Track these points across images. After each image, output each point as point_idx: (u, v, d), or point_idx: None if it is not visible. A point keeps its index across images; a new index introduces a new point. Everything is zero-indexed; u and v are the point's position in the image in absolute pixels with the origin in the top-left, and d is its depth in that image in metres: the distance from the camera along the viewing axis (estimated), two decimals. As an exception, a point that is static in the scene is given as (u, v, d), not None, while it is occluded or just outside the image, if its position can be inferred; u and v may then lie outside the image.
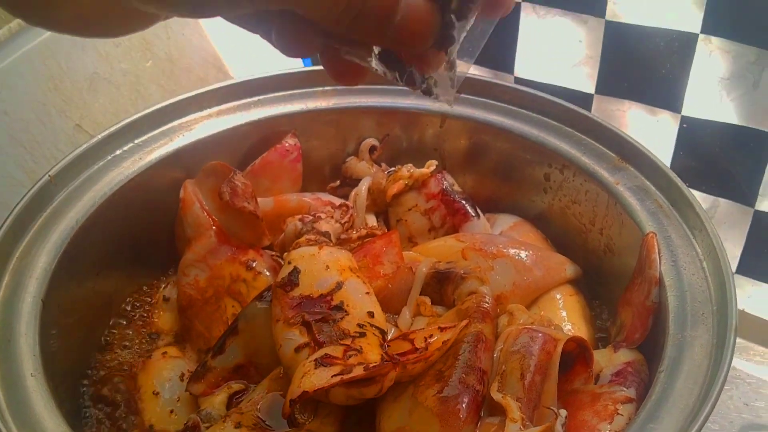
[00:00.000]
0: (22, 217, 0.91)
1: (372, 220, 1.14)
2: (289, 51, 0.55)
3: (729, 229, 1.35)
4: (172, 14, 0.51)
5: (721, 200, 1.34)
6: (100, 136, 1.02)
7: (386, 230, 1.12)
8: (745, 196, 1.31)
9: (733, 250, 1.34)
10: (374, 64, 0.57)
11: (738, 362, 1.13)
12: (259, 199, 1.13)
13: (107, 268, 1.02)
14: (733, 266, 1.35)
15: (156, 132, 1.07)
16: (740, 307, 1.35)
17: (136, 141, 1.06)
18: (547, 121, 1.08)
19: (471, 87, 1.13)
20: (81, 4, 0.53)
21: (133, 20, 0.56)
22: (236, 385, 0.91)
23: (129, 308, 1.07)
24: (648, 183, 0.97)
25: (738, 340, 1.13)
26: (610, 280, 1.03)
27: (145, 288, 1.10)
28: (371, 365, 0.80)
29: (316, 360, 0.81)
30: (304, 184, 1.19)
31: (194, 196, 1.06)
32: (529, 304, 1.01)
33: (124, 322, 1.05)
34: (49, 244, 0.91)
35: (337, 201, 1.15)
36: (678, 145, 1.34)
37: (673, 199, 0.94)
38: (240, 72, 1.60)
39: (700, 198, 1.34)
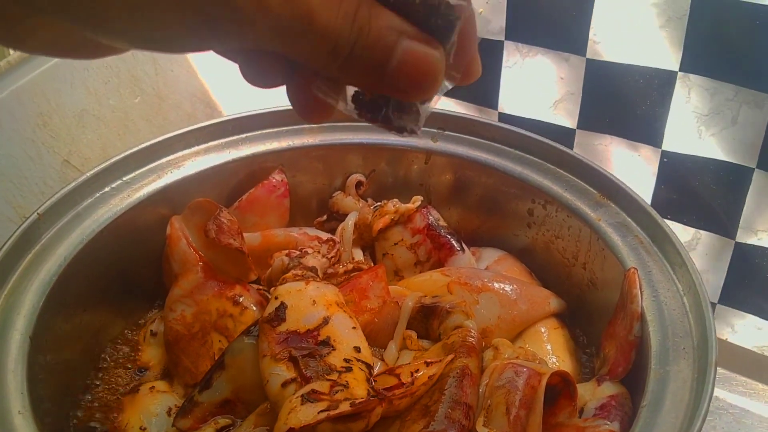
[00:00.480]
0: (10, 255, 0.91)
1: (358, 255, 1.15)
2: (256, 82, 0.52)
3: (711, 260, 1.37)
4: (142, 50, 0.50)
5: (703, 233, 1.36)
6: (88, 174, 1.03)
7: (372, 264, 1.13)
8: (726, 228, 1.33)
9: (715, 281, 1.36)
10: (345, 107, 0.55)
11: (721, 393, 1.14)
12: (246, 235, 1.14)
13: (95, 304, 1.02)
14: (716, 297, 1.37)
15: (144, 169, 1.09)
16: (723, 336, 1.38)
17: (124, 178, 1.07)
18: (530, 158, 1.11)
19: (455, 124, 1.16)
20: (53, 33, 0.53)
21: (105, 49, 0.55)
22: (223, 420, 0.92)
23: (116, 343, 1.07)
24: (629, 219, 0.99)
25: (721, 370, 1.16)
26: (593, 314, 1.04)
27: (132, 323, 1.10)
28: (358, 401, 0.80)
29: (302, 396, 0.82)
30: (291, 218, 1.21)
31: (181, 232, 1.07)
32: (514, 337, 1.02)
33: (112, 358, 1.05)
34: (37, 282, 0.91)
35: (324, 236, 1.16)
36: (659, 179, 1.36)
37: (654, 235, 0.96)
38: (229, 107, 1.62)
39: (682, 230, 1.36)
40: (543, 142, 1.09)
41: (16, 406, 0.77)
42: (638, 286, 0.89)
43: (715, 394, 1.13)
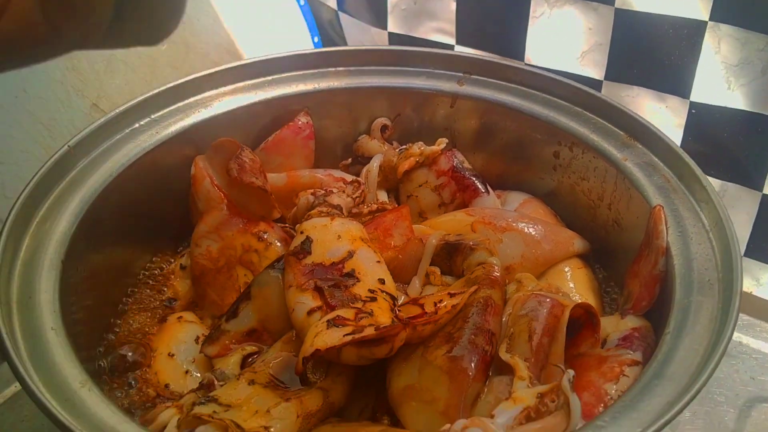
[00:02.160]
0: (42, 183, 0.93)
1: (383, 196, 1.16)
2: None
3: (737, 213, 1.36)
4: None
5: (729, 185, 1.35)
6: (118, 110, 1.04)
7: (397, 206, 1.14)
8: (753, 180, 1.32)
9: (741, 234, 1.34)
10: None
11: (744, 338, 1.14)
12: (272, 175, 1.15)
13: (124, 237, 1.04)
14: (741, 249, 1.35)
15: (172, 108, 1.10)
16: (747, 289, 1.37)
17: (152, 116, 1.08)
18: (557, 101, 1.10)
19: (482, 68, 1.15)
20: None
21: None
22: (250, 348, 0.93)
23: (146, 275, 1.09)
24: (655, 159, 0.99)
25: (745, 317, 1.16)
26: (618, 255, 1.04)
27: (161, 257, 1.12)
28: (382, 326, 0.81)
29: (328, 321, 0.83)
30: (316, 162, 1.22)
31: (205, 171, 1.08)
32: (537, 276, 1.02)
33: (141, 288, 1.07)
34: (68, 211, 0.93)
35: (349, 177, 1.17)
36: (686, 131, 1.35)
37: (681, 174, 0.95)
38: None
39: (708, 182, 1.35)
40: (570, 84, 1.09)
41: (49, 322, 0.79)
42: (664, 222, 0.89)
43: (738, 339, 1.14)
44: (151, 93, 1.08)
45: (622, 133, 1.03)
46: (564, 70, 1.42)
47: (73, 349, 0.77)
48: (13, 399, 1.08)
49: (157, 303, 1.05)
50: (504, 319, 0.87)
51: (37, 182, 0.92)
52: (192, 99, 1.12)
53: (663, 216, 0.90)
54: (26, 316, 0.79)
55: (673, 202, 0.93)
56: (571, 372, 0.76)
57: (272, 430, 0.77)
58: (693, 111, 1.33)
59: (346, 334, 0.79)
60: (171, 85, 1.09)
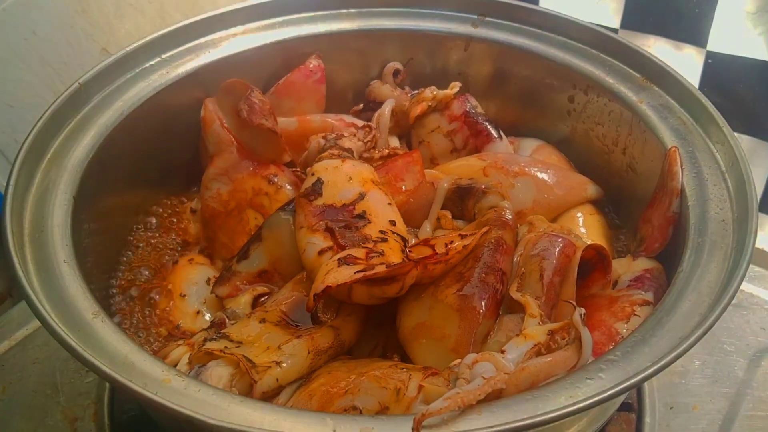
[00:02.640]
0: (52, 120, 0.92)
1: (395, 142, 1.15)
2: None
3: (752, 166, 1.34)
4: None
5: (745, 137, 1.34)
6: (128, 49, 1.03)
7: (408, 151, 1.13)
8: (768, 132, 1.31)
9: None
10: None
11: (755, 289, 1.13)
12: (282, 119, 1.14)
13: (135, 177, 1.04)
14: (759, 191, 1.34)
15: (182, 48, 1.08)
16: (759, 245, 1.36)
17: (163, 56, 1.07)
18: (572, 43, 1.09)
19: (496, 10, 1.14)
20: None
21: None
22: (261, 288, 0.94)
23: (157, 217, 1.09)
24: (672, 101, 0.98)
25: (757, 269, 1.15)
26: (631, 201, 1.04)
27: (172, 199, 1.12)
28: (393, 264, 0.81)
29: (339, 259, 0.83)
30: (327, 108, 1.20)
31: (214, 114, 1.07)
32: (549, 221, 1.02)
33: (152, 229, 1.07)
34: (80, 148, 0.93)
35: (361, 122, 1.16)
36: (703, 81, 1.33)
37: (697, 116, 0.94)
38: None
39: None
40: (585, 26, 1.07)
41: (62, 255, 0.79)
42: (679, 164, 0.88)
43: (748, 290, 1.13)
44: (161, 32, 1.07)
45: (638, 75, 1.02)
46: (580, 17, 1.40)
47: (85, 282, 0.77)
48: (24, 342, 1.09)
49: (168, 244, 1.05)
50: (515, 259, 0.86)
51: (48, 119, 0.92)
52: (202, 39, 1.10)
53: (678, 157, 0.89)
54: (39, 250, 0.79)
55: (689, 143, 0.92)
56: (582, 310, 0.76)
57: (283, 365, 0.78)
58: (710, 61, 1.32)
59: (357, 271, 0.79)
60: (181, 24, 1.08)
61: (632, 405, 0.99)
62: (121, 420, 0.98)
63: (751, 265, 0.75)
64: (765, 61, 1.26)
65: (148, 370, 0.68)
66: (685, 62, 1.34)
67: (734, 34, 1.28)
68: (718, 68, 1.31)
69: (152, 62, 1.05)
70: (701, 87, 1.34)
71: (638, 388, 1.01)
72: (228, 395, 0.66)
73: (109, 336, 0.71)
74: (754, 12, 1.25)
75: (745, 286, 1.14)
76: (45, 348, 1.07)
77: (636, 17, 1.36)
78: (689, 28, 1.31)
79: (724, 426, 0.98)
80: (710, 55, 1.31)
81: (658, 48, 1.36)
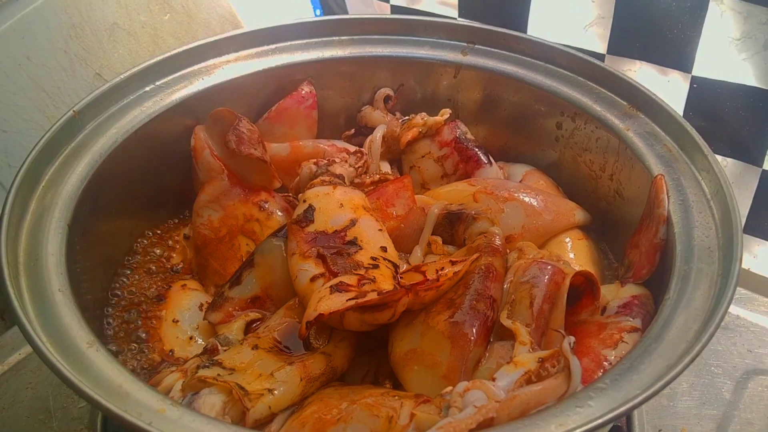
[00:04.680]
0: (47, 147, 0.93)
1: (386, 167, 1.16)
2: None
3: (736, 189, 1.35)
4: None
5: (729, 160, 1.36)
6: (122, 76, 1.04)
7: (399, 176, 1.14)
8: (753, 155, 1.33)
9: (740, 210, 1.35)
10: None
11: (742, 311, 1.15)
12: (275, 145, 1.16)
13: (129, 204, 1.05)
14: (742, 219, 1.36)
15: (176, 75, 1.10)
16: (746, 266, 1.38)
17: (157, 83, 1.08)
18: (560, 71, 1.10)
19: (485, 38, 1.15)
20: None
21: None
22: (253, 314, 0.94)
23: (150, 243, 1.10)
24: (658, 129, 0.99)
25: (743, 291, 1.17)
26: (619, 226, 1.05)
27: (166, 225, 1.13)
28: (385, 291, 0.82)
29: (331, 287, 0.84)
30: (319, 133, 1.22)
31: (204, 142, 1.08)
32: (539, 247, 1.03)
33: (146, 256, 1.08)
34: (74, 176, 0.93)
35: (352, 148, 1.17)
36: (688, 105, 1.35)
37: (683, 143, 0.96)
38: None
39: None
40: (573, 54, 1.09)
41: (56, 284, 0.80)
42: (665, 191, 0.90)
43: (735, 312, 1.15)
44: (155, 60, 1.08)
45: (624, 103, 1.04)
46: (567, 43, 1.42)
47: (80, 311, 0.77)
48: (17, 366, 1.09)
49: (161, 270, 1.06)
50: (505, 286, 0.88)
51: (43, 146, 0.93)
52: (196, 66, 1.12)
53: (664, 185, 0.91)
54: (33, 279, 0.80)
55: (675, 171, 0.93)
56: (572, 339, 0.77)
57: (275, 392, 0.78)
58: (695, 85, 1.34)
59: (349, 299, 0.80)
60: (175, 52, 1.09)
61: (621, 428, 1.01)
62: (113, 446, 0.98)
63: (737, 288, 0.77)
64: (749, 86, 1.28)
65: (143, 399, 0.68)
66: (670, 87, 1.36)
67: (719, 59, 1.30)
68: (703, 93, 1.33)
69: (146, 89, 1.07)
70: (686, 111, 1.36)
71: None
72: (222, 424, 0.67)
73: (104, 366, 0.72)
74: (738, 38, 1.27)
75: (732, 309, 1.15)
76: (38, 373, 1.07)
77: (622, 43, 1.38)
78: (675, 53, 1.33)
79: (712, 448, 1.00)
80: (695, 80, 1.33)
81: (643, 73, 1.38)
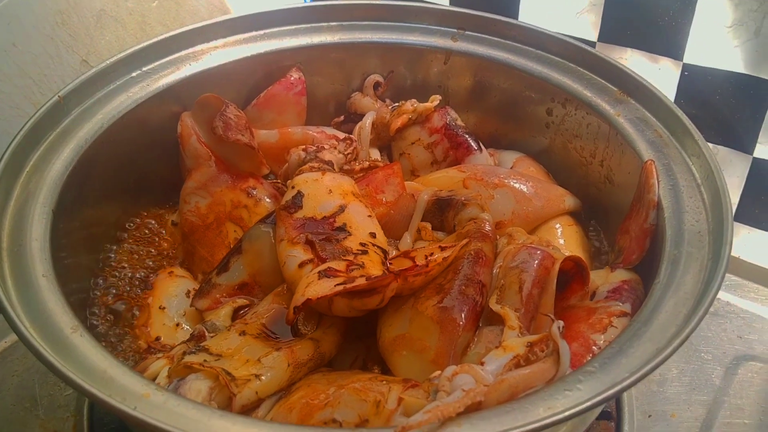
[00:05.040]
0: (32, 133, 0.92)
1: (375, 154, 1.16)
2: None
3: (727, 176, 1.35)
4: None
5: (720, 148, 1.35)
6: (109, 61, 1.03)
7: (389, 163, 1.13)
8: (744, 143, 1.32)
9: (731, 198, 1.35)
10: None
11: (732, 298, 1.15)
12: (263, 132, 1.15)
13: (115, 190, 1.04)
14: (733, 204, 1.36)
15: (163, 61, 1.09)
16: (736, 254, 1.37)
17: (143, 69, 1.07)
18: (550, 57, 1.10)
19: (476, 24, 1.15)
20: None
21: None
22: (241, 300, 0.94)
23: (136, 230, 1.09)
24: (648, 114, 0.99)
25: (733, 278, 1.16)
26: (609, 212, 1.05)
27: (153, 212, 1.12)
28: (373, 276, 0.82)
29: (319, 272, 0.83)
30: (308, 120, 1.21)
31: (191, 129, 1.07)
32: (528, 233, 1.02)
33: (132, 242, 1.07)
34: (59, 161, 0.93)
35: (342, 135, 1.16)
36: (679, 93, 1.35)
37: (673, 129, 0.95)
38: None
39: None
40: (564, 40, 1.08)
41: (40, 270, 0.79)
42: (655, 177, 0.90)
43: (726, 299, 1.15)
44: (141, 45, 1.07)
45: (615, 89, 1.03)
46: (558, 31, 1.41)
47: (64, 296, 0.77)
48: (3, 355, 1.08)
49: (148, 257, 1.05)
50: (495, 271, 0.87)
51: (27, 132, 0.92)
52: (183, 52, 1.11)
53: (654, 170, 0.90)
54: (17, 264, 0.79)
55: (665, 156, 0.93)
56: (561, 323, 0.76)
57: (263, 378, 0.78)
58: (686, 73, 1.33)
59: (338, 284, 0.80)
60: (162, 37, 1.08)
61: (611, 413, 1.00)
62: (100, 433, 0.98)
63: (727, 274, 0.77)
64: (741, 73, 1.27)
65: (127, 384, 0.67)
66: (661, 74, 1.36)
67: (711, 46, 1.29)
68: (694, 80, 1.33)
69: (132, 75, 1.05)
70: (677, 99, 1.35)
71: (617, 396, 1.01)
72: (207, 409, 0.66)
73: (88, 351, 0.71)
74: (730, 25, 1.27)
75: (722, 295, 1.15)
76: (24, 360, 1.07)
77: (614, 30, 1.37)
78: (666, 41, 1.33)
79: (701, 434, 1.00)
80: (686, 68, 1.32)
81: (635, 60, 1.37)
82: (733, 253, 0.82)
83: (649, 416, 1.02)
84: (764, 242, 1.38)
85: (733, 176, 1.35)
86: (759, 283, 1.18)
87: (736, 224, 1.37)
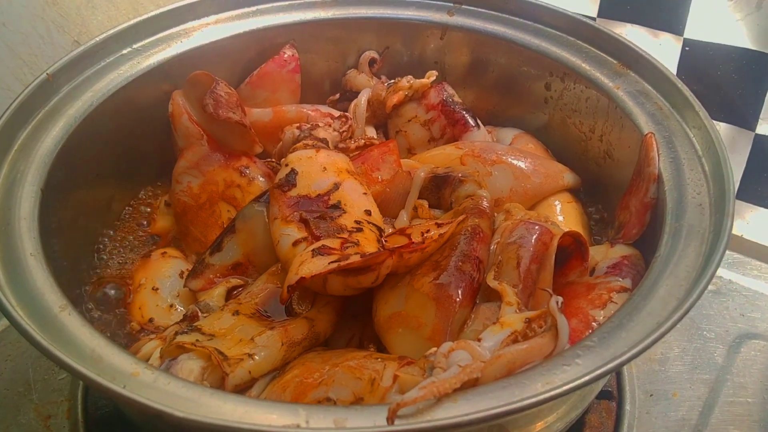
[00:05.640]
0: (21, 111, 0.90)
1: (371, 132, 1.14)
2: None
3: (729, 153, 1.34)
4: None
5: (722, 124, 1.33)
6: (98, 39, 1.01)
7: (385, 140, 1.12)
8: (746, 119, 1.30)
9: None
10: None
11: (734, 275, 1.13)
12: (257, 110, 1.13)
13: (106, 170, 1.02)
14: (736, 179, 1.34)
15: (154, 38, 1.06)
16: (738, 233, 1.36)
17: (134, 46, 1.05)
18: (548, 30, 1.08)
19: (472, -2, 1.13)
20: None
21: None
22: (234, 281, 0.92)
23: (130, 209, 1.07)
24: (648, 87, 0.97)
25: (735, 255, 1.15)
26: (609, 188, 1.03)
27: (145, 191, 1.10)
28: (368, 253, 0.80)
29: (313, 250, 0.81)
30: (303, 99, 1.19)
31: (182, 108, 1.05)
32: (527, 209, 1.01)
33: (125, 222, 1.05)
34: (48, 140, 0.91)
35: (337, 113, 1.14)
36: (680, 68, 1.33)
37: (674, 101, 0.94)
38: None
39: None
40: (562, 13, 1.06)
41: (28, 248, 0.77)
42: (655, 149, 0.88)
43: (727, 277, 1.13)
44: (131, 22, 1.05)
45: (614, 61, 1.01)
46: (557, 6, 1.39)
47: (53, 275, 0.75)
48: (-4, 338, 1.07)
49: (141, 238, 1.04)
50: (492, 248, 0.86)
51: (15, 110, 0.90)
52: (174, 29, 1.08)
53: (654, 143, 0.89)
54: (4, 243, 0.77)
55: (666, 129, 0.91)
56: (560, 298, 0.75)
57: (256, 357, 0.76)
58: (687, 48, 1.31)
59: (332, 262, 0.78)
60: (152, 14, 1.06)
61: (612, 393, 0.99)
62: (95, 417, 0.96)
63: (729, 252, 0.75)
64: (743, 48, 1.25)
65: (116, 363, 0.66)
66: (662, 50, 1.33)
67: (712, 21, 1.27)
68: (695, 55, 1.31)
69: (123, 52, 1.03)
70: (678, 74, 1.32)
71: (618, 375, 1.00)
72: (199, 387, 0.65)
73: (77, 329, 0.69)
74: (730, -1, 1.25)
75: (724, 273, 1.13)
76: (17, 345, 1.05)
77: (613, 5, 1.35)
78: (666, 15, 1.31)
79: (704, 412, 0.98)
80: (687, 43, 1.30)
81: (635, 36, 1.35)
82: (735, 232, 0.80)
83: (651, 395, 1.00)
84: (767, 220, 1.36)
85: (736, 153, 1.33)
86: (762, 261, 1.16)
87: (739, 203, 1.35)
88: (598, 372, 0.62)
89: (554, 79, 1.07)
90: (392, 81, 1.14)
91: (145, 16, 1.06)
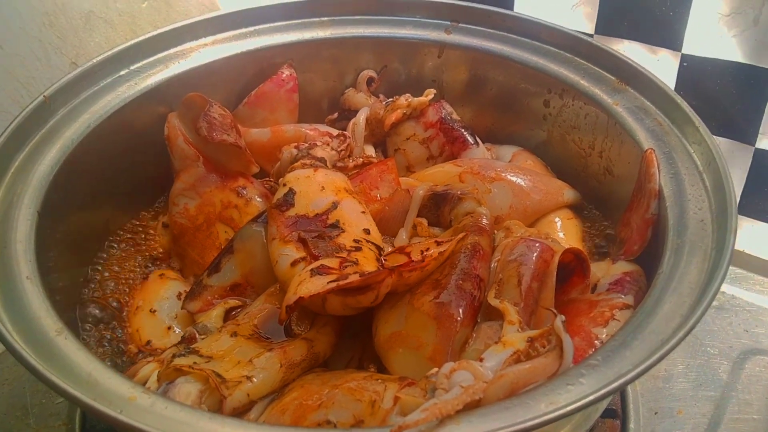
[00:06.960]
0: (17, 134, 0.90)
1: (370, 151, 1.13)
2: None
3: (729, 168, 1.34)
4: None
5: (722, 139, 1.33)
6: (95, 60, 1.01)
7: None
8: (746, 134, 1.30)
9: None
10: None
11: (737, 291, 1.12)
12: (255, 131, 1.13)
13: (103, 192, 1.01)
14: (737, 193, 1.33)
15: (151, 59, 1.06)
16: (739, 247, 1.35)
17: (131, 67, 1.05)
18: (546, 47, 1.08)
19: (469, 15, 1.13)
20: None
21: None
22: (233, 302, 0.91)
23: (127, 231, 1.06)
24: (647, 103, 0.97)
25: (738, 270, 1.14)
26: (609, 204, 1.03)
27: (143, 213, 1.10)
28: (367, 272, 0.79)
29: (312, 270, 0.80)
30: (301, 118, 1.19)
31: (178, 130, 1.04)
32: (527, 227, 1.00)
33: (122, 244, 1.04)
34: (45, 162, 0.90)
35: (335, 131, 1.14)
36: (678, 84, 1.33)
37: (673, 117, 0.93)
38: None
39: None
40: (559, 30, 1.06)
41: (25, 272, 0.77)
42: (656, 165, 0.87)
43: (730, 292, 1.12)
44: (129, 43, 1.05)
45: (613, 78, 1.01)
46: (554, 23, 1.39)
47: (49, 298, 0.74)
48: (-7, 364, 1.06)
49: (139, 260, 1.03)
50: (493, 266, 0.85)
51: (12, 133, 0.90)
52: (172, 50, 1.08)
53: (655, 159, 0.88)
54: (0, 266, 0.77)
55: (666, 144, 0.91)
56: (563, 316, 0.74)
57: (254, 379, 0.75)
58: (684, 64, 1.31)
59: (331, 281, 0.77)
60: (150, 35, 1.07)
61: (616, 411, 0.98)
62: (92, 441, 0.95)
63: (732, 267, 0.74)
64: (740, 63, 1.25)
65: (113, 387, 0.65)
66: (660, 66, 1.33)
67: (709, 36, 1.27)
68: (693, 71, 1.31)
69: (120, 74, 1.03)
70: (677, 90, 1.32)
71: (622, 393, 0.99)
72: (196, 412, 0.64)
73: (73, 353, 0.68)
74: (728, 14, 1.25)
75: (727, 288, 1.13)
76: (14, 369, 1.04)
77: (610, 22, 1.35)
78: (664, 31, 1.31)
79: (709, 430, 0.97)
80: (685, 58, 1.30)
81: (632, 52, 1.35)
82: (736, 247, 0.79)
83: (656, 413, 0.99)
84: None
85: (735, 167, 1.33)
86: (764, 276, 1.15)
87: (740, 217, 1.35)
88: (603, 391, 0.62)
89: (553, 96, 1.07)
90: (390, 99, 1.14)
91: (142, 38, 1.06)
